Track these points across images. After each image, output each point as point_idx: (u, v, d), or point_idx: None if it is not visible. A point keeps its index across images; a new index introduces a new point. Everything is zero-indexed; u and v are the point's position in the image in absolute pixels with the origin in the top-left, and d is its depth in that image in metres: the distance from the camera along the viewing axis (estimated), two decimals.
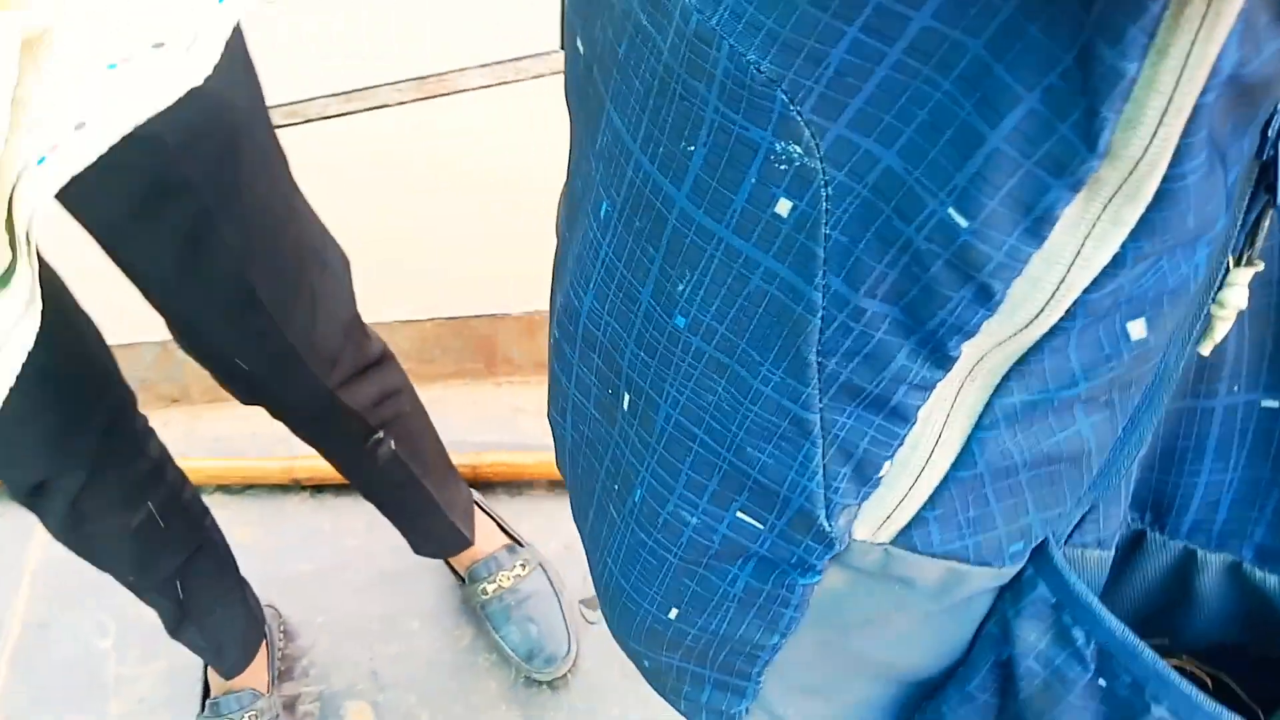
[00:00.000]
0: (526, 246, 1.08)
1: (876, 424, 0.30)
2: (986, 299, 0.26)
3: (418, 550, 1.26)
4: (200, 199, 0.75)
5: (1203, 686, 0.38)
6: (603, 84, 0.31)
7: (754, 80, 0.26)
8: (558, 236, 0.45)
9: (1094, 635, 0.36)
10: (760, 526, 0.34)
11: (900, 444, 0.31)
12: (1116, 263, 0.26)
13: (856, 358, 0.29)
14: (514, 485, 1.43)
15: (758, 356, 0.30)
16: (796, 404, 0.30)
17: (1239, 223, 0.28)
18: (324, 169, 1.25)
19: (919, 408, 0.30)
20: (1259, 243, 0.29)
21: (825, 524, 0.33)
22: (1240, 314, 0.31)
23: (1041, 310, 0.27)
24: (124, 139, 0.46)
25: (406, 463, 1.10)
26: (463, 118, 1.46)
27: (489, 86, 1.32)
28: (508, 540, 1.31)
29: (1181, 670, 0.38)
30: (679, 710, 0.46)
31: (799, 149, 0.26)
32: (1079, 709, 0.37)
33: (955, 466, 0.32)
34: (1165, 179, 0.24)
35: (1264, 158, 0.27)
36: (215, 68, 0.50)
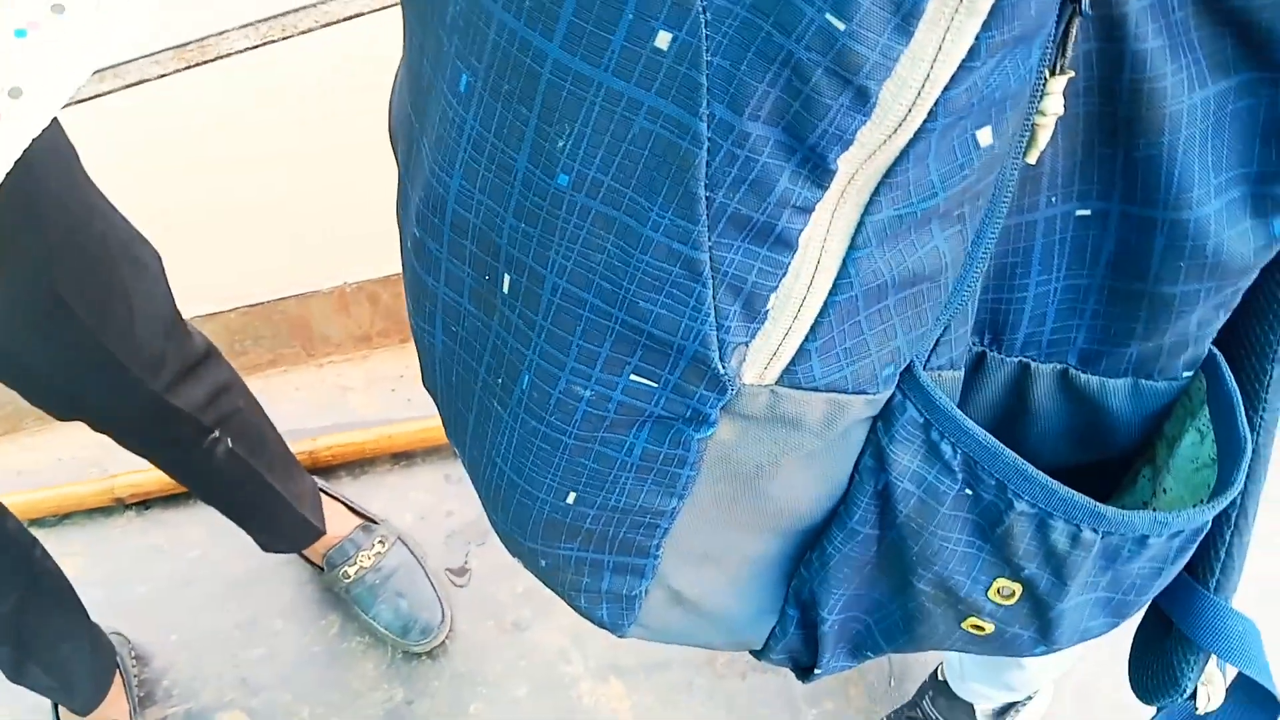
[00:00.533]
0: (325, 218, 1.03)
1: (762, 255, 0.32)
2: (863, 102, 0.28)
3: (269, 549, 1.21)
4: None
5: None
6: None
7: None
8: (397, 140, 0.43)
9: (959, 445, 0.39)
10: (654, 385, 0.35)
11: (785, 273, 0.32)
12: (972, 55, 0.28)
13: (743, 186, 0.30)
14: (355, 465, 1.39)
15: (646, 202, 0.30)
16: (687, 244, 0.31)
17: (1051, 34, 0.31)
18: (85, 157, 1.15)
19: (801, 232, 0.31)
20: (1069, 51, 0.31)
21: (719, 366, 0.34)
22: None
23: (909, 111, 0.29)
24: None
25: (246, 459, 1.05)
26: (231, 85, 1.37)
27: (255, 47, 1.24)
28: (360, 520, 1.28)
29: None
30: (578, 607, 0.46)
31: None
32: (951, 519, 0.41)
33: (834, 291, 0.34)
34: None
35: None
36: None
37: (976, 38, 0.27)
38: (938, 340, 0.38)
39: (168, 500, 1.34)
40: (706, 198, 0.30)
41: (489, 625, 1.26)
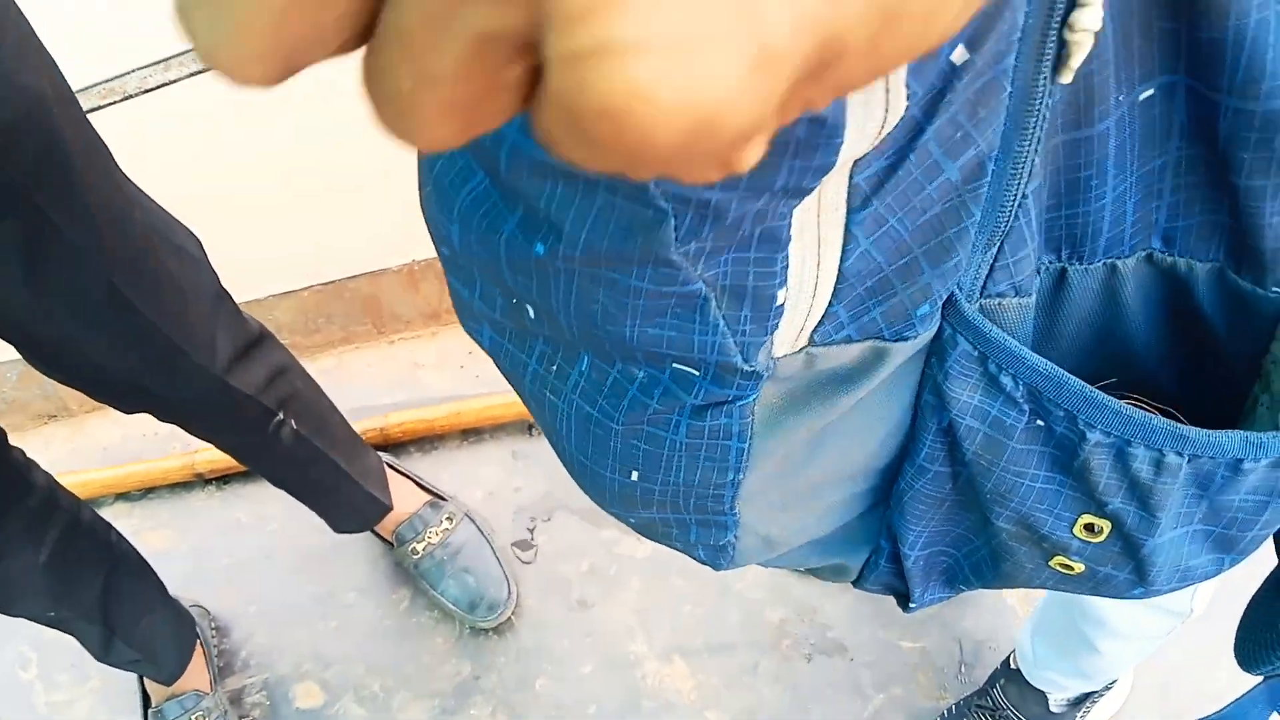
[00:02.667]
0: (395, 196, 1.04)
1: (752, 258, 0.30)
2: (834, 135, 0.26)
3: (338, 528, 1.24)
4: (32, 202, 0.70)
5: None
6: None
7: None
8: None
9: (1021, 377, 0.37)
10: (696, 373, 0.34)
11: (785, 266, 0.31)
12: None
13: (713, 228, 0.28)
14: (425, 442, 1.41)
15: (624, 264, 0.30)
16: (676, 285, 0.30)
17: None
18: (152, 146, 1.18)
19: (787, 227, 0.30)
20: None
21: (745, 366, 0.33)
22: (1101, 27, 0.31)
23: (884, 119, 0.27)
24: None
25: (310, 439, 1.07)
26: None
27: None
28: (428, 497, 1.30)
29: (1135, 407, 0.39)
30: (678, 549, 0.46)
31: None
32: (1024, 453, 0.39)
33: (843, 257, 0.32)
34: None
35: None
36: (13, 58, 0.46)
37: None
38: (994, 266, 0.36)
39: (245, 476, 1.38)
40: (680, 254, 0.29)
41: (555, 602, 1.27)
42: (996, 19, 0.28)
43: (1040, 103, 0.31)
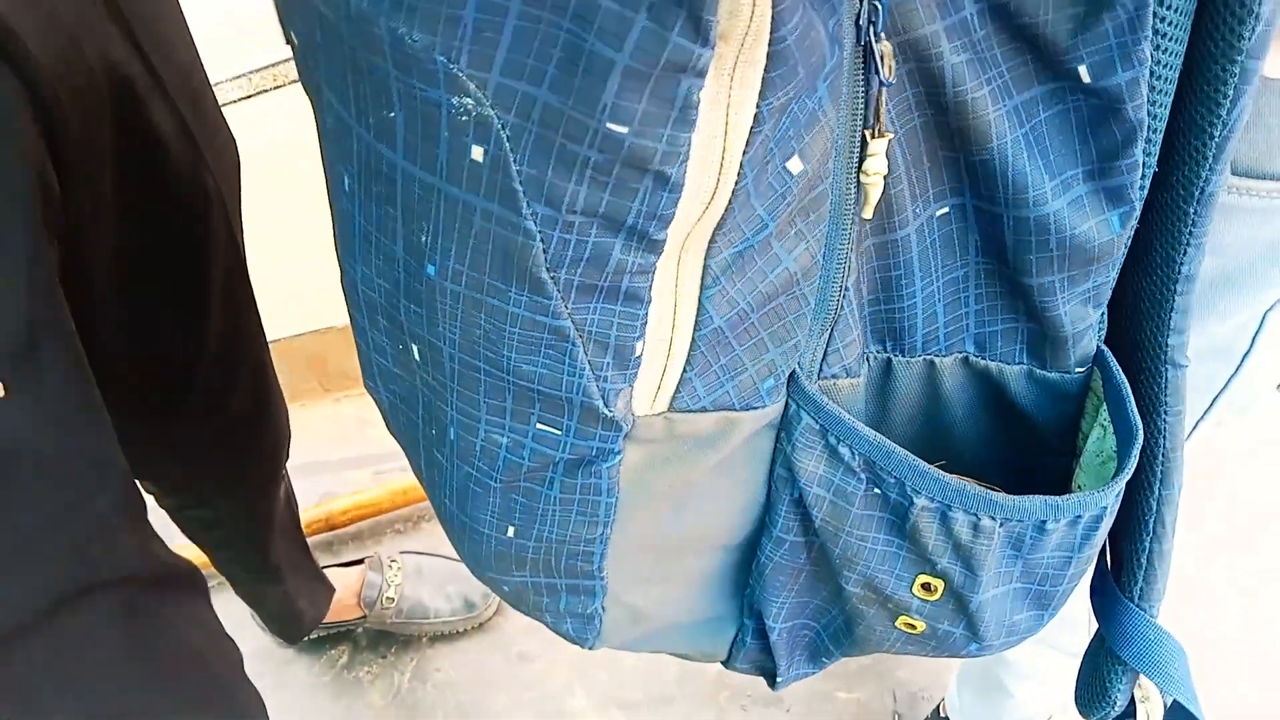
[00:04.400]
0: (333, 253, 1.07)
1: (618, 311, 0.34)
2: (665, 183, 0.30)
3: (292, 639, 1.24)
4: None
5: None
6: (314, 69, 0.34)
7: (413, 49, 0.28)
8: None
9: (856, 448, 0.41)
10: (559, 433, 0.38)
11: (644, 323, 0.35)
12: (759, 121, 0.31)
13: (581, 263, 0.32)
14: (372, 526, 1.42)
15: (502, 285, 0.33)
16: (548, 315, 0.34)
17: (864, 99, 0.34)
18: None
19: (648, 288, 0.34)
20: (883, 116, 0.34)
21: (606, 411, 0.37)
22: (894, 150, 0.36)
23: (717, 181, 0.32)
24: None
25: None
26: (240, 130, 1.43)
27: (249, 97, 1.29)
28: (357, 564, 1.30)
29: None
30: (547, 624, 0.49)
31: (470, 100, 0.29)
32: (865, 519, 0.43)
33: (697, 327, 0.37)
34: (771, 44, 0.29)
35: (863, 44, 0.33)
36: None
37: (758, 107, 0.30)
38: (826, 351, 0.41)
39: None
40: (551, 278, 0.33)
41: (495, 657, 1.27)
42: (825, 125, 0.33)
43: (853, 211, 0.37)
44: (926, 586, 0.44)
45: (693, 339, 0.37)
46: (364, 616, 1.27)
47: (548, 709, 1.23)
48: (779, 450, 0.43)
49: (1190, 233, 0.37)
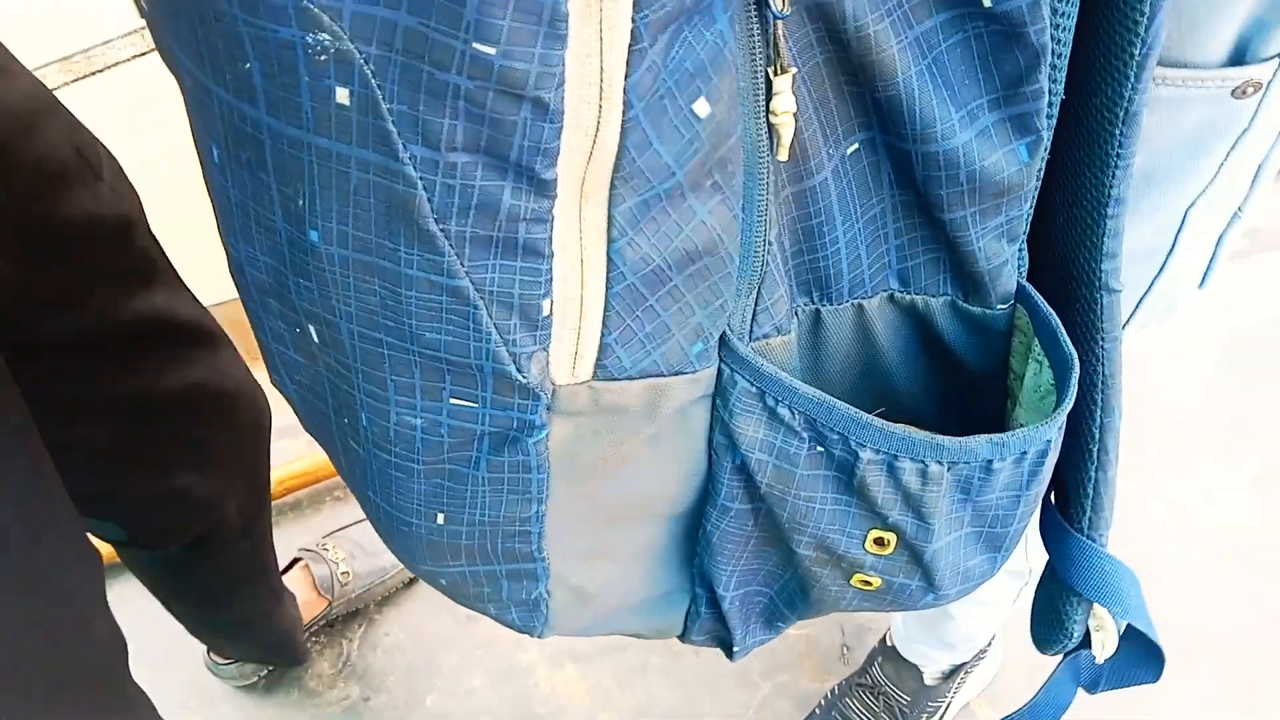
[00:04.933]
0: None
1: (518, 267, 0.32)
2: (545, 111, 0.28)
3: (303, 655, 1.21)
4: None
5: None
6: (166, 33, 0.31)
7: None
8: None
9: (796, 407, 0.40)
10: (474, 405, 0.36)
11: (549, 278, 0.33)
12: (636, 38, 0.28)
13: (470, 211, 0.30)
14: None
15: (390, 244, 0.31)
16: (443, 275, 0.32)
17: (760, 35, 0.32)
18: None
19: (548, 239, 0.32)
20: (784, 51, 0.33)
21: (520, 377, 0.35)
22: (799, 89, 0.35)
23: (600, 107, 0.29)
24: None
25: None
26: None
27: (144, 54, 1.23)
28: (297, 559, 1.26)
29: None
30: (490, 615, 0.47)
31: (327, 35, 0.27)
32: (811, 479, 0.42)
33: (609, 284, 0.34)
34: None
35: None
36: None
37: (633, 20, 0.28)
38: (755, 310, 0.39)
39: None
40: (441, 230, 0.30)
41: (444, 618, 1.26)
42: (729, 68, 0.31)
43: (767, 159, 0.35)
44: (879, 541, 0.44)
45: (606, 298, 0.35)
46: (330, 603, 1.24)
47: (499, 665, 1.23)
48: (716, 417, 0.41)
49: (1118, 154, 0.37)
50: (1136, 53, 0.34)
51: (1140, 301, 0.54)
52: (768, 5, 0.31)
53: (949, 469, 0.41)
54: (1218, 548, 1.29)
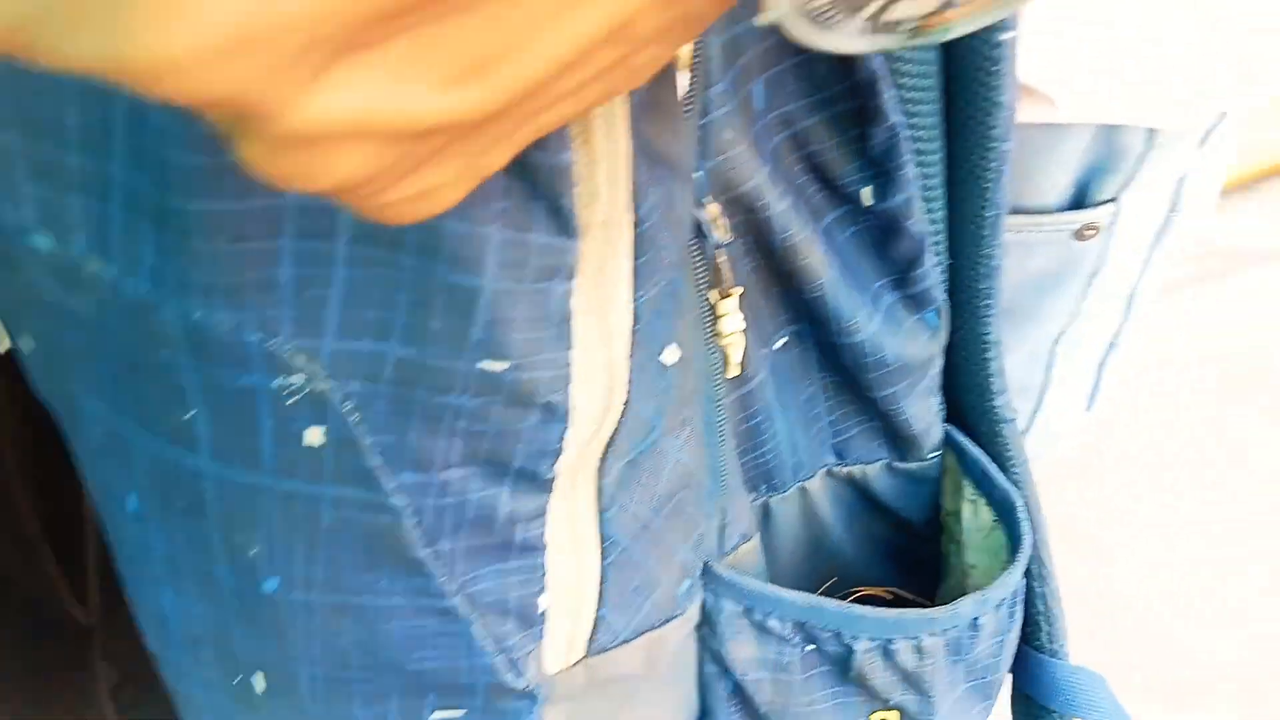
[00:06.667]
0: None
1: (513, 567, 0.30)
2: (554, 414, 0.27)
3: None
4: None
5: (883, 602, 0.43)
6: (64, 377, 0.28)
7: (217, 332, 0.24)
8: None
9: (784, 614, 0.39)
10: (463, 712, 0.33)
11: (544, 573, 0.31)
12: (637, 317, 0.27)
13: (464, 526, 0.28)
14: None
15: (370, 578, 0.28)
16: (431, 598, 0.29)
17: (703, 263, 0.33)
18: None
19: (542, 534, 0.30)
20: (727, 275, 0.33)
21: (517, 684, 0.32)
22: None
23: (610, 392, 0.28)
24: None
25: None
26: None
27: None
28: None
29: (863, 599, 0.43)
30: None
31: (300, 376, 0.24)
32: (808, 681, 0.40)
33: (604, 555, 0.32)
34: (636, 225, 0.26)
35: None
36: None
37: (634, 302, 0.27)
38: (723, 525, 0.38)
39: None
40: (432, 553, 0.28)
41: None
42: (688, 308, 0.32)
43: (720, 379, 0.36)
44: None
45: (601, 571, 0.32)
46: None
47: None
48: (704, 648, 0.39)
49: (987, 305, 0.38)
50: (988, 214, 0.36)
51: (1024, 433, 0.54)
52: (708, 235, 0.31)
53: (942, 635, 0.40)
54: (1210, 575, 1.26)
